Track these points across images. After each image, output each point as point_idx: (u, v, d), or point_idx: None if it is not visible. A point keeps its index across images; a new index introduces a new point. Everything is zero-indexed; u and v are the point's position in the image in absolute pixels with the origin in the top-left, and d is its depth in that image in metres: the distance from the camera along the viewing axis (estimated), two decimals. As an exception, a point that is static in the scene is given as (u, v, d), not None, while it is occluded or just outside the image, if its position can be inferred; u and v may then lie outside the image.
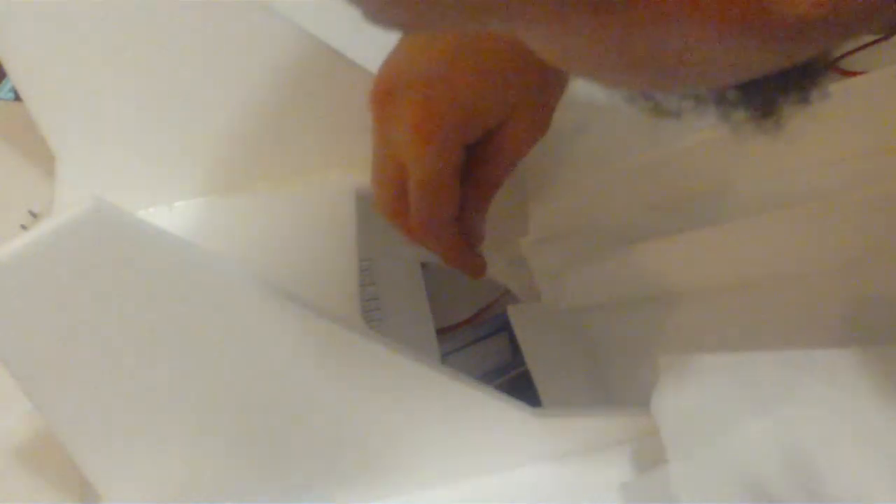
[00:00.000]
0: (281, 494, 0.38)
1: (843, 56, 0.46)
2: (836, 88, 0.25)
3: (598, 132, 0.50)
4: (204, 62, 0.47)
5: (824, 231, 0.43)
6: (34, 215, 0.53)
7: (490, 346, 0.52)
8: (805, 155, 0.43)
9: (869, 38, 0.45)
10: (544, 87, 0.42)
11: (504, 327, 0.51)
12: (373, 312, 0.50)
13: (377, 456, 0.38)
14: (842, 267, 0.42)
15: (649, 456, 0.37)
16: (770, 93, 0.23)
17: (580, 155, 0.50)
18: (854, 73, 0.45)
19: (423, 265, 0.54)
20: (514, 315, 0.46)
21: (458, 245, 0.44)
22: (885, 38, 0.44)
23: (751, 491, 0.34)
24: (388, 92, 0.41)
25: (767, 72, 0.21)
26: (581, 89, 0.55)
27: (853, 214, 0.43)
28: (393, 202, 0.43)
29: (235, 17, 0.46)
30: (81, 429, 0.35)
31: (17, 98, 0.53)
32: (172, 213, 0.51)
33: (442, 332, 0.51)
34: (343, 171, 0.51)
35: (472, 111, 0.40)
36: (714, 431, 0.35)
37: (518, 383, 0.48)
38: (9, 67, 0.47)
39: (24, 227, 0.53)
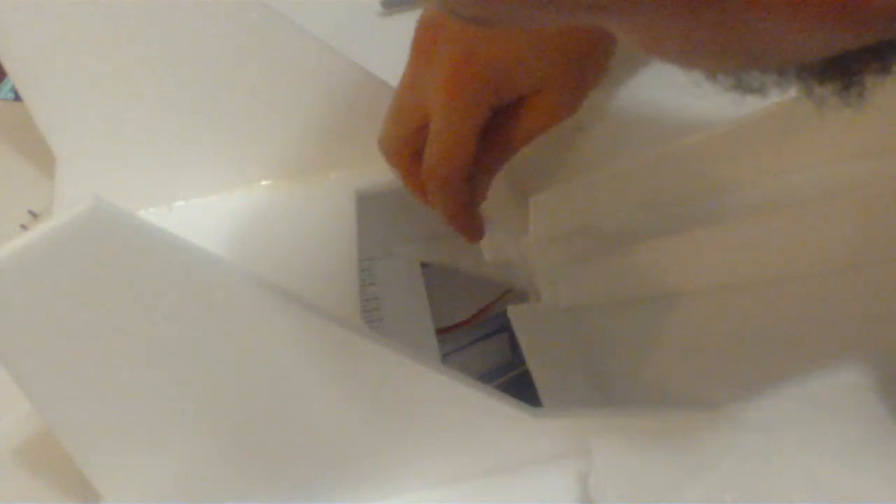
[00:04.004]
0: (280, 494, 0.38)
1: None
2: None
3: (598, 132, 0.50)
4: (204, 63, 0.47)
5: (825, 231, 0.43)
6: (34, 215, 0.53)
7: (490, 346, 0.52)
8: (828, 149, 0.43)
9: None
10: (584, 65, 0.42)
11: (504, 327, 0.51)
12: (373, 312, 0.50)
13: (377, 456, 0.38)
14: (843, 267, 0.42)
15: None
16: (852, 64, 0.23)
17: (580, 155, 0.50)
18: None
19: (423, 265, 0.54)
20: (514, 315, 0.46)
21: (463, 202, 0.44)
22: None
23: None
24: (432, 36, 0.41)
25: (856, 47, 0.21)
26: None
27: (854, 214, 0.43)
28: (401, 143, 0.44)
29: (235, 18, 0.46)
30: (81, 429, 0.35)
31: (17, 98, 0.53)
32: (172, 213, 0.51)
33: (442, 332, 0.51)
34: (343, 171, 0.51)
35: (510, 74, 0.41)
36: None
37: (518, 383, 0.48)
38: (9, 67, 0.47)
39: (24, 227, 0.53)
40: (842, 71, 0.23)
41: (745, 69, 0.23)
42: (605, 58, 0.43)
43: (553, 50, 0.41)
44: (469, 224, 0.45)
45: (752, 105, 0.42)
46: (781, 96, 0.24)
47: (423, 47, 0.42)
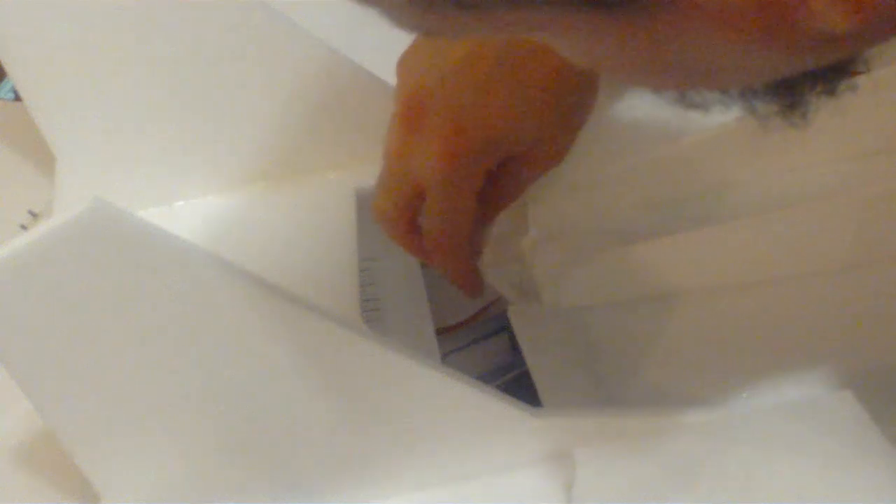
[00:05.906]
0: (279, 494, 0.38)
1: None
2: (865, 81, 0.25)
3: (597, 132, 0.50)
4: (204, 62, 0.47)
5: (825, 231, 0.43)
6: (34, 215, 0.53)
7: (490, 346, 0.52)
8: (828, 149, 0.43)
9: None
10: (572, 115, 0.43)
11: (504, 327, 0.51)
12: (373, 312, 0.50)
13: (376, 455, 0.38)
14: (842, 267, 0.42)
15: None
16: (797, 85, 0.23)
17: (580, 154, 0.50)
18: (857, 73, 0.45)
19: (423, 265, 0.54)
20: (514, 315, 0.46)
21: (466, 265, 0.44)
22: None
23: None
24: (419, 113, 0.41)
25: (795, 73, 0.21)
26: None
27: (854, 214, 0.43)
28: (399, 217, 0.44)
29: (235, 18, 0.46)
30: (81, 429, 0.35)
31: (17, 98, 0.53)
32: (172, 213, 0.51)
33: (442, 332, 0.51)
34: (343, 171, 0.51)
35: (501, 138, 0.41)
36: None
37: (518, 383, 0.48)
38: (9, 67, 0.47)
39: (24, 227, 0.53)
40: (785, 92, 0.23)
41: (688, 89, 0.24)
42: (592, 99, 0.43)
43: (542, 109, 0.41)
44: (472, 281, 0.45)
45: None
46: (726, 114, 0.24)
47: (410, 118, 0.41)
